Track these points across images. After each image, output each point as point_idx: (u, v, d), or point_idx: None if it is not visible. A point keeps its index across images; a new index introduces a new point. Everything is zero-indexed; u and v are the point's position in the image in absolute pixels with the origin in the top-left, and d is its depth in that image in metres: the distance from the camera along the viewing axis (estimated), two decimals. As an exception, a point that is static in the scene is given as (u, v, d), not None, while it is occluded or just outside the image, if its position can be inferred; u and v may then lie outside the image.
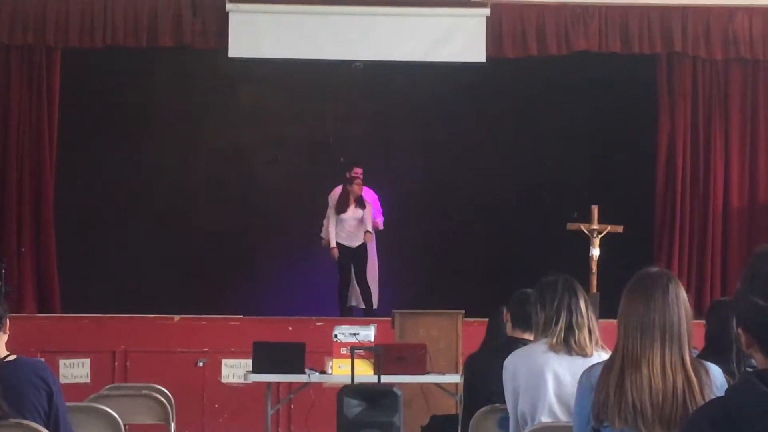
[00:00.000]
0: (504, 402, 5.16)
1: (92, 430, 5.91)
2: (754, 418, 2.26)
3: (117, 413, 6.04)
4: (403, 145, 14.07)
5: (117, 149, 13.48)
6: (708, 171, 12.19)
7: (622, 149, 13.25)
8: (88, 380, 10.71)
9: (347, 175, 12.59)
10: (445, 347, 9.80)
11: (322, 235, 12.74)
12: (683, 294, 3.68)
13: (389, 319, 10.07)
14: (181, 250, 13.54)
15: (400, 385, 8.11)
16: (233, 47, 11.82)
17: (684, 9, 12.08)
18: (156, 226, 13.52)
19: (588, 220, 11.00)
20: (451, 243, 13.83)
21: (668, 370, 3.56)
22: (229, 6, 11.73)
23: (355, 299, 12.69)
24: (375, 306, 12.57)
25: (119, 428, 5.98)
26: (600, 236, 10.96)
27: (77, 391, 9.01)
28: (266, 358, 8.76)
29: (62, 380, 9.10)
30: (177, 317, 11.16)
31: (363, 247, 12.58)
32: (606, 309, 6.93)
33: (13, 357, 4.69)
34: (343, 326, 9.07)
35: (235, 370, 10.81)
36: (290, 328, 10.87)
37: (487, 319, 7.14)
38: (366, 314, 12.15)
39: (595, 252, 10.95)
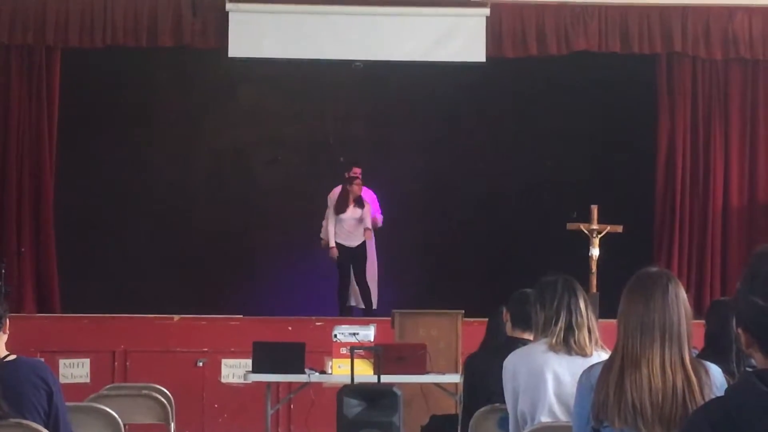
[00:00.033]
0: (504, 402, 5.16)
1: (92, 430, 5.91)
2: (753, 418, 2.26)
3: (117, 413, 6.04)
4: (403, 145, 14.07)
5: (117, 149, 13.49)
6: (708, 171, 12.19)
7: (622, 149, 13.25)
8: (87, 380, 10.71)
9: (346, 175, 12.59)
10: (445, 347, 9.80)
11: (322, 235, 12.75)
12: (683, 294, 3.68)
13: (389, 319, 10.07)
14: (181, 250, 13.54)
15: (400, 385, 8.11)
16: (233, 47, 11.82)
17: (684, 9, 12.08)
18: (156, 226, 13.52)
19: (588, 220, 11.00)
20: (451, 243, 13.83)
21: (668, 369, 3.56)
22: (228, 6, 11.73)
23: (355, 299, 12.69)
24: (374, 306, 12.57)
25: (119, 428, 5.98)
26: (600, 236, 10.96)
27: (77, 391, 9.00)
28: (266, 358, 8.76)
29: (62, 380, 9.10)
30: (177, 317, 11.16)
31: (362, 246, 12.58)
32: (606, 309, 6.93)
33: (12, 357, 4.69)
34: (343, 326, 9.07)
35: (235, 370, 10.81)
36: (290, 328, 10.87)
37: (486, 319, 7.14)
38: (366, 314, 12.15)
39: (595, 252, 10.95)
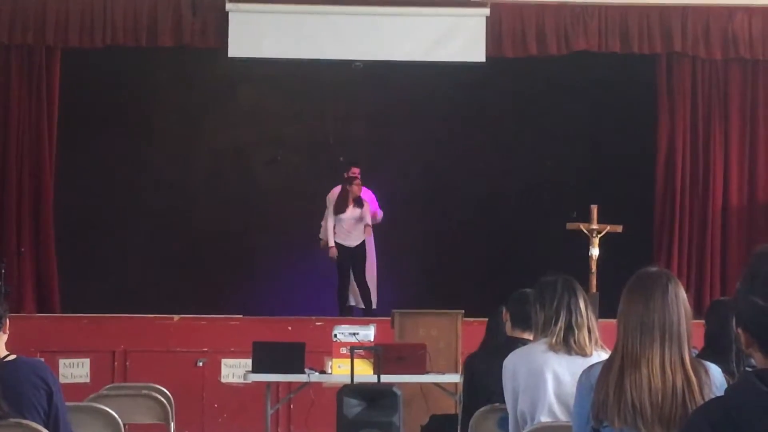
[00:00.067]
0: (503, 402, 5.16)
1: (92, 429, 5.91)
2: (753, 418, 2.26)
3: (117, 413, 6.04)
4: (403, 145, 14.07)
5: (117, 149, 13.49)
6: (707, 170, 12.19)
7: (622, 149, 13.25)
8: (87, 380, 10.71)
9: (345, 175, 12.60)
10: (445, 347, 9.80)
11: (321, 235, 12.76)
12: (683, 294, 3.67)
13: (389, 318, 10.08)
14: (181, 250, 13.54)
15: (400, 384, 8.11)
16: (233, 47, 11.82)
17: (683, 9, 12.08)
18: (156, 226, 13.52)
19: (587, 219, 11.00)
20: (451, 243, 13.83)
21: (668, 369, 3.56)
22: (228, 6, 11.74)
23: (354, 299, 12.69)
24: (374, 306, 12.57)
25: (119, 428, 5.98)
26: (599, 236, 10.96)
27: (77, 390, 9.00)
28: (266, 357, 8.76)
29: (62, 380, 9.10)
30: (177, 317, 11.16)
31: (362, 246, 12.58)
32: (605, 309, 6.93)
33: (12, 357, 4.69)
34: (343, 326, 9.08)
35: (235, 370, 10.81)
36: (290, 328, 10.88)
37: (486, 319, 7.14)
38: (365, 314, 12.16)
39: (595, 252, 10.95)
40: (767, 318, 2.34)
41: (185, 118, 14.03)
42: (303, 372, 8.76)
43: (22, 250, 11.70)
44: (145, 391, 7.39)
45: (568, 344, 4.92)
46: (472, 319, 9.83)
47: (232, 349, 10.84)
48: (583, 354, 4.88)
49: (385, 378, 8.30)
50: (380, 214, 12.89)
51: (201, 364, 10.92)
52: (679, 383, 3.54)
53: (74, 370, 10.77)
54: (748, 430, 2.26)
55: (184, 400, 9.53)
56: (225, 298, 12.77)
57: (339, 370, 8.63)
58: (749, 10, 12.08)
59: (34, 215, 11.83)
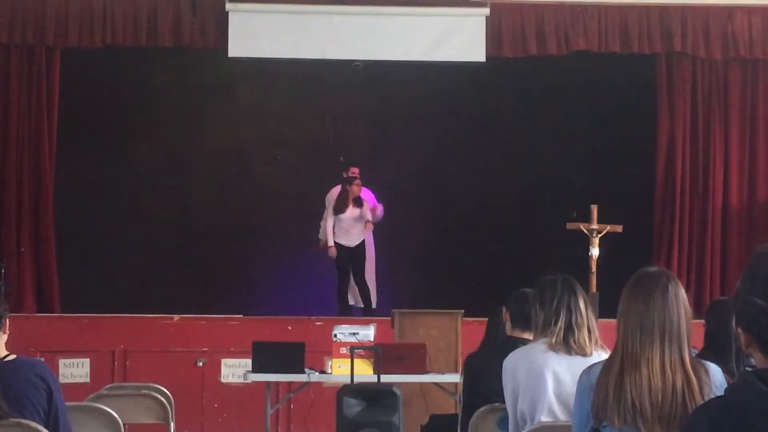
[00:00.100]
0: (503, 401, 5.16)
1: (92, 429, 5.91)
2: (753, 417, 2.26)
3: (117, 413, 6.04)
4: (402, 145, 14.06)
5: (116, 149, 13.49)
6: (707, 170, 12.19)
7: (622, 149, 13.25)
8: (87, 380, 10.71)
9: (344, 175, 12.61)
10: (445, 347, 9.80)
11: (320, 236, 12.77)
12: (683, 293, 3.67)
13: (389, 318, 10.08)
14: (180, 249, 13.54)
15: (400, 384, 8.11)
16: (233, 47, 11.82)
17: (683, 9, 12.08)
18: (156, 226, 13.52)
19: (587, 219, 11.00)
20: (451, 243, 13.82)
21: (668, 369, 3.56)
22: (228, 6, 11.74)
23: (354, 298, 12.70)
24: (374, 305, 12.57)
25: (119, 428, 5.98)
26: (599, 236, 10.96)
27: (77, 390, 9.01)
28: (266, 357, 8.76)
29: (62, 380, 9.10)
30: (176, 317, 11.16)
31: (361, 246, 12.59)
32: (605, 308, 6.93)
33: (12, 357, 4.69)
34: (343, 326, 9.08)
35: (235, 370, 10.81)
36: (290, 328, 10.88)
37: (486, 319, 7.13)
38: (365, 314, 12.16)
39: (595, 251, 10.94)
40: (767, 318, 2.34)
41: (185, 118, 14.03)
42: (303, 372, 8.76)
43: (22, 249, 11.70)
44: (145, 391, 7.39)
45: (568, 344, 4.92)
46: (472, 319, 9.83)
47: (232, 349, 10.84)
48: (583, 354, 4.88)
49: (385, 378, 8.30)
50: (380, 209, 12.86)
51: (201, 364, 10.92)
52: (679, 383, 3.54)
53: (74, 370, 10.77)
54: (748, 430, 2.26)
55: (184, 400, 9.53)
56: (225, 298, 12.76)
57: (339, 370, 8.63)
58: (749, 10, 12.08)
59: (34, 215, 11.83)
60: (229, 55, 11.90)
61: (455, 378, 8.39)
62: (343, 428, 7.57)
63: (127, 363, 10.88)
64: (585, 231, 10.98)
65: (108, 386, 8.21)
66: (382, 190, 13.12)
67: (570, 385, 4.64)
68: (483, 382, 5.81)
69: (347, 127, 14.20)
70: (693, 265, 12.15)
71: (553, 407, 4.91)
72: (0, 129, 11.81)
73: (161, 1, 11.82)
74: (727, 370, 4.31)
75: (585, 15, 12.02)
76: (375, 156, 13.75)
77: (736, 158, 12.23)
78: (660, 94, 12.29)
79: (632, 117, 13.04)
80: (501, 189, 13.92)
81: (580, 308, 4.95)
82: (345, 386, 7.84)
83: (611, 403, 3.57)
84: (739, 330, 2.41)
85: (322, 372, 9.00)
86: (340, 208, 12.50)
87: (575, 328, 4.92)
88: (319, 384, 9.61)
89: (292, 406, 10.69)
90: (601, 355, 4.72)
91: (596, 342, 4.96)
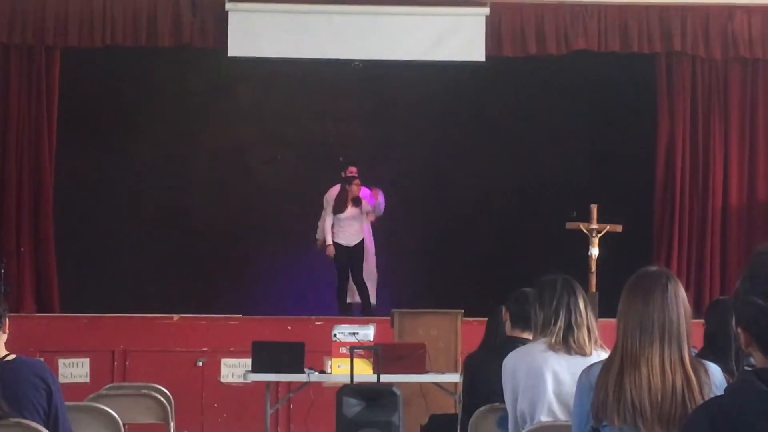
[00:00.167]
0: (503, 401, 5.16)
1: (92, 429, 5.91)
2: (753, 417, 2.26)
3: (116, 413, 6.04)
4: (402, 144, 14.07)
5: (116, 148, 13.48)
6: (707, 170, 12.19)
7: (622, 149, 13.24)
8: (87, 380, 10.71)
9: (343, 174, 12.62)
10: (445, 346, 9.80)
11: (317, 236, 12.78)
12: (682, 293, 3.67)
13: (388, 318, 10.08)
14: (180, 249, 13.54)
15: (400, 384, 8.10)
16: (232, 46, 11.82)
17: (683, 8, 12.08)
18: (155, 226, 13.52)
19: (587, 219, 11.00)
20: (451, 242, 13.83)
21: (667, 369, 3.56)
22: (228, 5, 11.74)
23: (353, 297, 12.71)
24: (373, 302, 12.58)
25: (119, 428, 5.98)
26: (599, 235, 10.96)
27: (76, 390, 9.01)
28: (265, 357, 8.75)
29: (61, 380, 9.10)
30: (176, 317, 11.16)
31: (360, 245, 12.61)
32: (605, 308, 6.94)
33: (12, 356, 4.69)
34: (343, 325, 9.07)
35: (235, 370, 10.81)
36: (289, 328, 10.88)
37: (486, 319, 7.13)
38: (365, 313, 12.16)
39: (594, 251, 10.94)
40: (767, 318, 2.34)
41: (185, 118, 14.03)
42: (302, 372, 8.76)
43: (22, 249, 11.70)
44: (144, 391, 7.39)
45: (568, 344, 4.92)
46: (471, 319, 9.83)
47: (232, 349, 10.84)
48: (583, 353, 4.88)
49: (385, 378, 8.30)
50: (382, 201, 12.82)
51: (201, 363, 10.92)
52: (678, 383, 3.54)
53: (74, 370, 10.77)
54: (748, 429, 2.26)
55: (184, 399, 9.52)
56: (224, 297, 12.76)
57: (338, 370, 8.63)
58: (749, 9, 12.08)
59: (33, 215, 11.83)
60: (229, 54, 11.90)
61: (455, 378, 8.39)
62: (343, 428, 7.57)
63: (127, 363, 10.88)
64: (585, 231, 10.98)
65: (108, 386, 8.21)
66: (382, 190, 13.12)
67: (570, 384, 4.64)
68: (483, 381, 5.81)
69: (347, 127, 14.20)
70: (693, 265, 12.15)
71: (552, 407, 4.91)
72: (0, 129, 11.80)
73: (161, 1, 11.82)
74: (726, 370, 4.31)
75: (585, 15, 12.02)
76: (375, 156, 13.76)
77: (736, 158, 12.23)
78: (660, 93, 12.29)
79: (632, 117, 13.04)
80: (501, 189, 13.92)
81: (579, 308, 4.95)
82: (345, 386, 7.84)
83: (611, 402, 3.57)
84: (739, 329, 2.41)
85: (322, 372, 9.00)
86: (339, 207, 12.51)
87: (575, 327, 4.92)
88: (318, 384, 9.61)
89: (291, 406, 10.69)
90: (600, 354, 4.72)
91: (596, 342, 4.96)
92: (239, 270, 13.54)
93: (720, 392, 3.00)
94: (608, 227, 10.98)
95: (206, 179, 14.09)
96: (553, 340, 4.93)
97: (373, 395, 7.63)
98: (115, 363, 10.87)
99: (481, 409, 5.74)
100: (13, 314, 5.17)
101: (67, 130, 12.22)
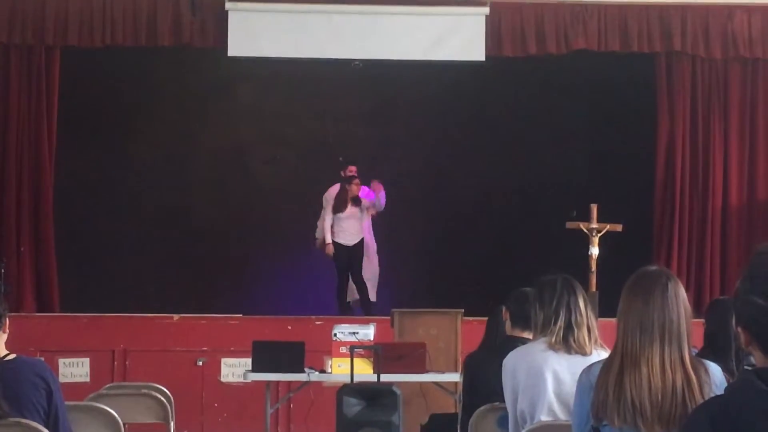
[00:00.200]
0: (503, 401, 5.16)
1: (92, 429, 5.91)
2: (753, 416, 2.26)
3: (116, 412, 6.04)
4: (402, 145, 14.07)
5: (116, 148, 13.48)
6: (707, 169, 12.19)
7: (622, 148, 13.24)
8: (87, 379, 10.71)
9: (343, 174, 12.62)
10: (445, 346, 9.80)
11: (317, 235, 12.78)
12: (682, 292, 3.67)
13: (388, 318, 10.08)
14: (180, 249, 13.54)
15: (400, 384, 8.10)
16: (232, 46, 11.82)
17: (683, 8, 12.08)
18: (155, 226, 13.52)
19: (587, 218, 11.00)
20: (451, 242, 13.83)
21: (667, 368, 3.56)
22: (228, 5, 11.74)
23: (352, 295, 12.71)
24: (373, 298, 12.58)
25: (119, 427, 5.98)
26: (599, 235, 10.96)
27: (77, 390, 9.01)
28: (266, 357, 8.75)
29: (62, 379, 9.10)
30: (176, 316, 11.16)
31: (360, 245, 12.61)
32: (605, 308, 6.93)
33: (12, 356, 4.69)
34: (343, 325, 9.07)
35: (235, 369, 10.81)
36: (289, 327, 10.88)
37: (486, 318, 7.14)
38: (365, 313, 12.17)
39: (595, 251, 10.95)
40: (767, 317, 2.34)
41: (185, 118, 14.03)
42: (303, 371, 8.76)
43: (22, 249, 11.70)
44: (144, 391, 7.39)
45: (568, 343, 4.92)
46: (471, 319, 9.83)
47: (232, 349, 10.84)
48: (583, 353, 4.88)
49: (385, 377, 8.30)
50: (383, 196, 12.81)
51: (201, 363, 10.92)
52: (678, 382, 3.54)
53: (74, 370, 10.77)
54: (748, 429, 2.26)
55: (184, 399, 9.53)
56: (225, 297, 12.77)
57: (339, 370, 8.63)
58: (749, 9, 12.08)
59: (33, 214, 11.83)
60: (229, 54, 11.90)
61: (455, 377, 8.39)
62: (343, 428, 7.56)
63: (127, 362, 10.88)
64: (585, 230, 10.98)
65: (108, 386, 8.21)
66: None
67: (570, 384, 4.64)
68: (483, 381, 5.81)
69: (347, 127, 14.20)
70: (693, 265, 12.15)
71: (552, 406, 4.91)
72: (0, 129, 11.80)
73: (161, 0, 11.82)
74: (726, 369, 4.31)
75: (585, 14, 12.02)
76: (375, 155, 13.76)
77: (736, 158, 12.23)
78: (660, 93, 12.29)
79: (632, 116, 13.04)
80: (501, 188, 13.92)
81: (579, 307, 4.95)
82: (345, 386, 7.84)
83: (611, 402, 3.57)
84: (739, 329, 2.41)
85: (322, 371, 9.00)
86: (339, 207, 12.52)
87: (575, 327, 4.92)
88: (318, 383, 9.61)
89: (291, 406, 10.69)
90: (600, 354, 4.72)
91: (596, 341, 4.96)
92: (239, 270, 13.55)
93: (720, 392, 3.00)
94: (608, 227, 10.98)
95: (206, 179, 14.09)
96: (553, 339, 4.93)
97: (374, 395, 7.63)
98: (115, 363, 10.88)
99: (481, 408, 5.74)
100: (13, 314, 5.17)
101: (67, 130, 12.22)
